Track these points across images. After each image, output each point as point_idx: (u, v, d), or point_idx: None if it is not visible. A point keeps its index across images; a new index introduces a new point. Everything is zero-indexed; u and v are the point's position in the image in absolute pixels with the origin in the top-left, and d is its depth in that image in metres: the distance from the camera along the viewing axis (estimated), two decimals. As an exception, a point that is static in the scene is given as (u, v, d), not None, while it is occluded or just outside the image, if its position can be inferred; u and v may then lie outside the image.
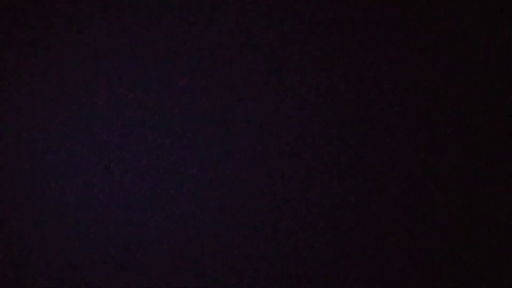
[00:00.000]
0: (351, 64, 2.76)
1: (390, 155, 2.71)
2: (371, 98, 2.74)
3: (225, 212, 2.73)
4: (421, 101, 2.73)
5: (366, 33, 2.76)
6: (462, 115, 2.71)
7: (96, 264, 2.73)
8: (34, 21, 2.83)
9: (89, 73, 2.81)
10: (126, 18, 2.82)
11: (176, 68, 2.80)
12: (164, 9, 2.82)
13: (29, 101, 2.80)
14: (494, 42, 2.73)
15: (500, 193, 2.67)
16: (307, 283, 2.69)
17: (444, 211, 2.69)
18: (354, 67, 2.75)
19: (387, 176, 2.71)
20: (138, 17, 2.82)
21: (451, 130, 2.70)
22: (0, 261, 2.74)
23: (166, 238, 2.73)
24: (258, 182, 2.74)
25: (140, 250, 2.73)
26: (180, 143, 2.78)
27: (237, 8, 2.80)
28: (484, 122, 2.70)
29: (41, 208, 2.76)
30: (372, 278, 2.68)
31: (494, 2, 2.73)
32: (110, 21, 2.82)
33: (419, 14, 2.75)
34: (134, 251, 2.73)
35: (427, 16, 2.75)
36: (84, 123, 2.79)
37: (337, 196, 2.71)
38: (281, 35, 2.78)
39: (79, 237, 2.74)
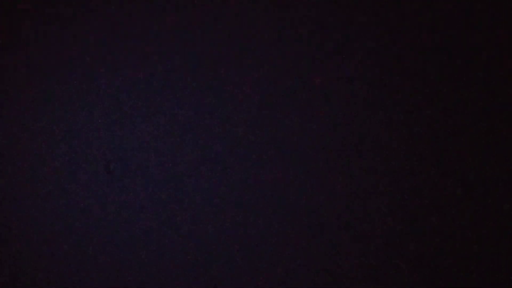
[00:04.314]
0: (351, 65, 2.75)
1: (391, 155, 2.71)
2: (371, 98, 2.74)
3: (225, 212, 2.73)
4: (421, 102, 2.73)
5: (366, 34, 2.76)
6: (462, 115, 2.71)
7: (96, 264, 2.73)
8: (35, 21, 2.83)
9: (90, 73, 2.81)
10: (126, 18, 2.82)
11: (177, 68, 2.80)
12: (165, 9, 2.82)
13: (30, 101, 2.81)
14: (494, 42, 2.73)
15: (500, 193, 2.67)
16: (307, 283, 2.69)
17: (444, 211, 2.69)
18: (355, 67, 2.75)
19: (387, 176, 2.71)
20: (138, 17, 2.82)
21: (453, 131, 2.70)
22: (0, 261, 2.74)
23: (167, 237, 2.74)
24: (259, 181, 2.74)
25: (140, 250, 2.73)
26: (180, 143, 2.78)
27: (238, 8, 2.80)
28: (484, 122, 2.70)
29: (41, 208, 2.76)
30: (372, 278, 2.68)
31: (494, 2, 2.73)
32: (110, 21, 2.83)
33: (418, 14, 2.75)
34: (134, 251, 2.73)
35: (426, 16, 2.75)
36: (84, 123, 2.79)
37: (339, 196, 2.71)
38: (282, 35, 2.78)
39: (79, 237, 2.74)
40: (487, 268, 2.65)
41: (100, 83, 2.81)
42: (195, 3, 2.80)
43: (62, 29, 2.83)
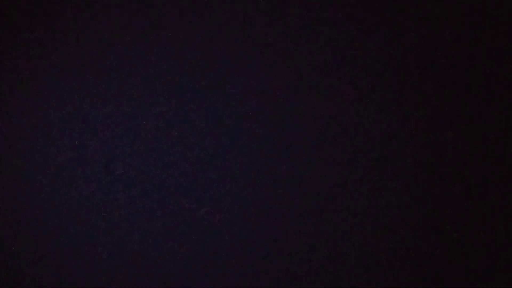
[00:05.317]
0: (351, 65, 2.76)
1: (390, 155, 2.71)
2: (370, 98, 2.74)
3: (225, 212, 2.73)
4: (421, 102, 2.73)
5: (367, 34, 2.76)
6: (462, 115, 2.71)
7: (96, 264, 2.73)
8: (34, 21, 2.83)
9: (89, 73, 2.81)
10: (126, 18, 2.82)
11: (177, 68, 2.80)
12: (165, 9, 2.82)
13: (29, 101, 2.80)
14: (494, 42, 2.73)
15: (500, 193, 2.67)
16: (306, 282, 2.69)
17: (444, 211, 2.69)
18: (354, 67, 2.75)
19: (387, 176, 2.71)
20: (138, 17, 2.82)
21: (453, 130, 2.70)
22: (0, 261, 2.74)
23: (166, 238, 2.73)
24: (259, 181, 2.73)
25: (140, 250, 2.73)
26: (180, 142, 2.77)
27: (237, 8, 2.80)
28: (484, 122, 2.70)
29: (41, 208, 2.75)
30: (371, 278, 2.68)
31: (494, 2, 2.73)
32: (110, 21, 2.82)
33: (418, 15, 2.75)
34: (134, 251, 2.73)
35: (426, 17, 2.75)
36: (84, 123, 2.79)
37: (336, 196, 2.71)
38: (282, 35, 2.78)
39: (79, 237, 2.74)
40: (487, 269, 2.65)
41: (100, 83, 2.80)
42: (194, 3, 2.80)
43: (62, 28, 2.83)
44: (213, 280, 2.71)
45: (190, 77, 2.80)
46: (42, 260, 2.74)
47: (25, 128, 2.79)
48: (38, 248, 2.74)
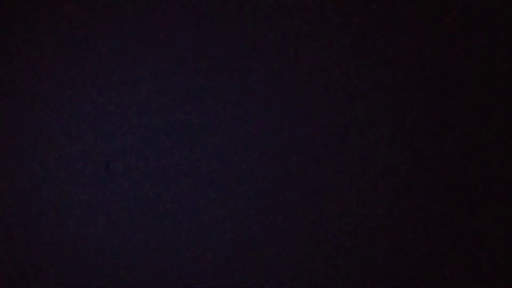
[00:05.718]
0: (352, 65, 2.76)
1: (390, 155, 2.72)
2: (370, 98, 2.74)
3: (226, 212, 2.74)
4: (421, 102, 2.73)
5: (366, 33, 2.76)
6: (463, 115, 2.71)
7: (96, 265, 2.73)
8: (34, 21, 2.83)
9: (90, 73, 2.82)
10: (126, 18, 2.83)
11: (177, 69, 2.80)
12: (164, 9, 2.82)
13: (29, 101, 2.81)
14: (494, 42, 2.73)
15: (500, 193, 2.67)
16: (307, 282, 2.69)
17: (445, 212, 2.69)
18: (356, 67, 2.76)
19: (386, 176, 2.71)
20: (138, 17, 2.82)
21: (454, 130, 2.70)
22: (0, 261, 2.74)
23: (166, 238, 2.74)
24: (258, 181, 2.74)
25: (140, 251, 2.74)
26: (180, 143, 2.78)
27: (237, 8, 2.80)
28: (485, 122, 2.71)
29: (41, 209, 2.76)
30: (372, 278, 2.68)
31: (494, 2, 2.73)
32: (110, 21, 2.83)
33: (418, 14, 2.76)
34: (133, 251, 2.74)
35: (427, 16, 2.75)
36: (84, 123, 2.79)
37: (337, 196, 2.71)
38: (281, 35, 2.78)
39: (79, 238, 2.75)
40: (487, 269, 2.65)
41: (101, 83, 2.81)
42: (195, 3, 2.80)
43: (61, 28, 2.83)
44: (213, 280, 2.71)
45: (190, 77, 2.80)
46: (42, 260, 2.74)
47: (25, 128, 2.80)
48: (38, 248, 2.75)
